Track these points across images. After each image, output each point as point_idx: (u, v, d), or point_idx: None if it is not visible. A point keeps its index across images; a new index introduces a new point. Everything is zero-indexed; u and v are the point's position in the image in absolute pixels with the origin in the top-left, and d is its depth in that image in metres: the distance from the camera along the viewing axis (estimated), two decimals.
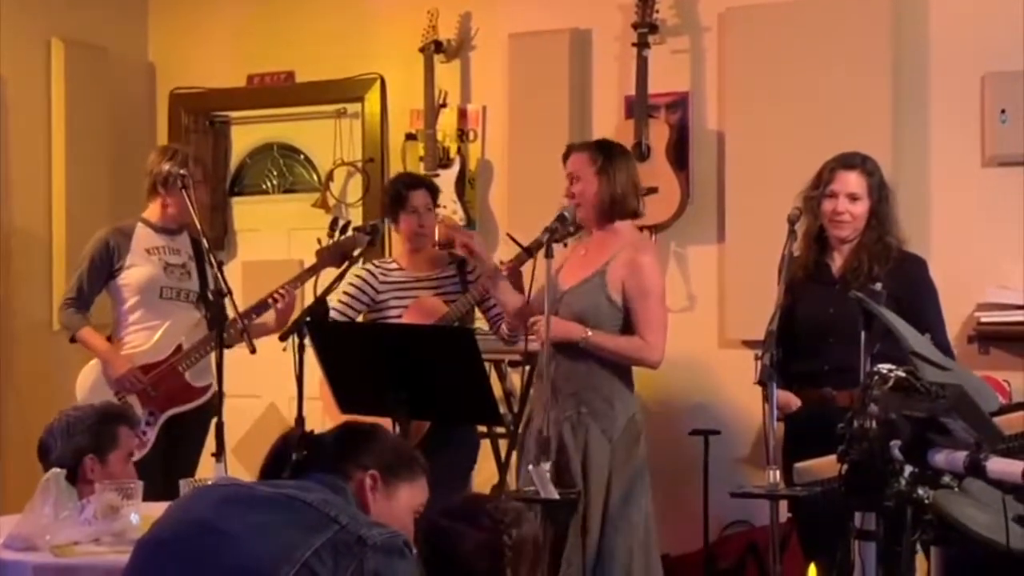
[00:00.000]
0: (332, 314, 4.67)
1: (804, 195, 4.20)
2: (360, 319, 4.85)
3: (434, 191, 4.93)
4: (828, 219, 4.15)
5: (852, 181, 4.13)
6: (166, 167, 4.84)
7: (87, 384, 4.80)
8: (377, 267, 4.87)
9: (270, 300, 4.68)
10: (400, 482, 2.46)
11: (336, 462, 2.40)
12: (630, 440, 4.21)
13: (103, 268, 4.85)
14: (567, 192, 4.28)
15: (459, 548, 2.58)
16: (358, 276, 4.81)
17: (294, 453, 2.43)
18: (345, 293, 4.78)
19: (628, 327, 4.21)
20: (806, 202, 4.18)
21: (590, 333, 4.14)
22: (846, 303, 3.88)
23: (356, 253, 4.55)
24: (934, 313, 4.05)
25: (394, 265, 4.87)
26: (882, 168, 4.28)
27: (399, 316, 4.70)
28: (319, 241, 4.67)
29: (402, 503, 2.47)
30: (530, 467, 3.85)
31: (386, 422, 3.86)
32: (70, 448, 3.47)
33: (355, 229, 4.63)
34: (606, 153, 4.28)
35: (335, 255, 4.58)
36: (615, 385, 4.22)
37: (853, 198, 4.11)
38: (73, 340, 4.89)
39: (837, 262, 4.20)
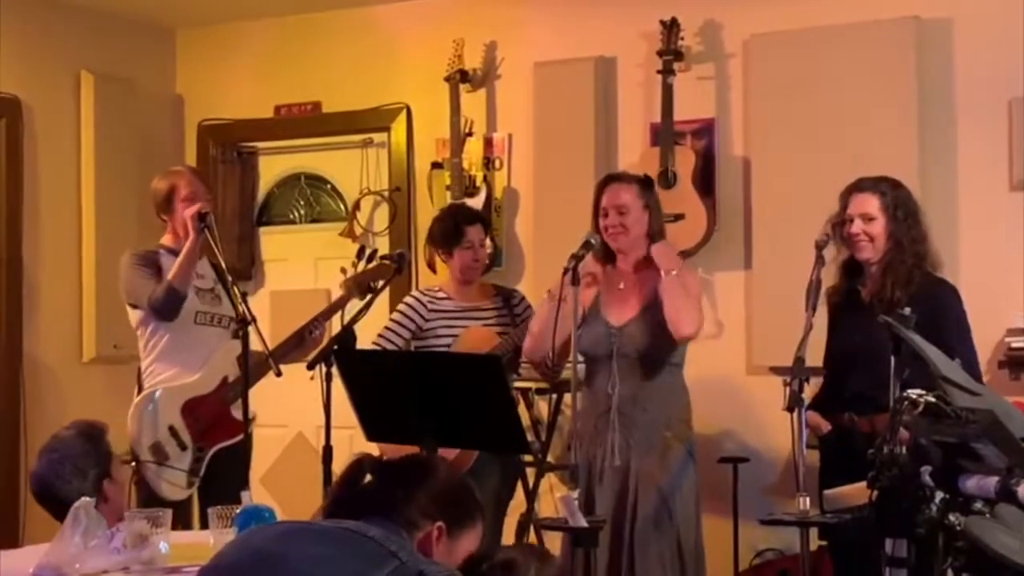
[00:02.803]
0: (377, 339, 4.73)
1: (832, 223, 4.21)
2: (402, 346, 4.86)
3: (487, 225, 4.98)
4: (849, 243, 4.16)
5: (865, 202, 4.15)
6: (161, 186, 4.74)
7: (136, 420, 4.65)
8: (425, 295, 4.90)
9: (307, 333, 4.68)
10: (463, 531, 2.51)
11: (405, 508, 2.43)
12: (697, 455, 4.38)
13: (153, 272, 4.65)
14: (611, 223, 4.31)
15: None
16: (406, 303, 4.86)
17: (365, 477, 2.46)
18: (392, 320, 4.81)
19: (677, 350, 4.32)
20: (834, 230, 4.19)
21: (675, 273, 4.23)
22: (872, 330, 3.88)
23: (380, 284, 4.56)
24: (958, 340, 3.98)
25: (443, 294, 4.89)
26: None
27: (448, 345, 4.72)
28: (343, 271, 4.69)
29: (461, 551, 2.51)
30: (558, 496, 3.86)
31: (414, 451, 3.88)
32: (89, 484, 3.45)
33: (382, 258, 4.64)
34: (649, 188, 4.41)
35: (361, 286, 4.61)
36: (686, 402, 4.34)
37: (867, 218, 4.13)
38: (175, 292, 4.58)
39: (867, 288, 4.20)
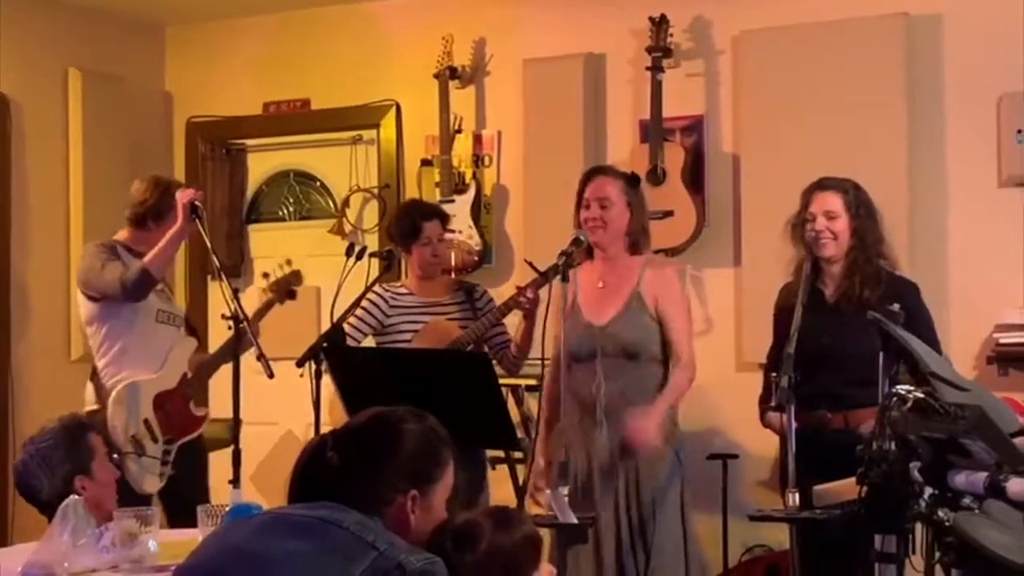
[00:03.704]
0: None
1: (790, 224, 4.21)
2: (367, 342, 4.85)
3: (445, 219, 4.94)
4: (811, 241, 4.15)
5: (828, 199, 4.15)
6: (156, 195, 4.71)
7: (122, 412, 4.63)
8: (387, 291, 4.86)
9: (243, 334, 4.63)
10: (435, 484, 2.47)
11: (375, 488, 2.39)
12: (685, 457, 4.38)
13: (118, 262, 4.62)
14: (591, 215, 4.30)
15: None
16: (368, 299, 4.81)
17: (328, 453, 2.43)
18: (354, 315, 4.78)
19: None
20: (793, 230, 4.19)
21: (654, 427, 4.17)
22: (839, 330, 3.91)
23: (297, 287, 4.88)
24: (928, 339, 4.00)
25: (404, 289, 4.87)
26: (899, 190, 4.28)
27: (409, 340, 4.70)
28: (266, 276, 4.84)
29: (437, 501, 2.49)
30: (548, 491, 3.85)
31: None
32: (58, 480, 3.42)
33: (371, 255, 4.63)
34: (634, 185, 4.40)
35: (282, 290, 4.84)
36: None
37: (830, 216, 4.14)
38: (149, 274, 4.54)
39: (830, 288, 4.19)
